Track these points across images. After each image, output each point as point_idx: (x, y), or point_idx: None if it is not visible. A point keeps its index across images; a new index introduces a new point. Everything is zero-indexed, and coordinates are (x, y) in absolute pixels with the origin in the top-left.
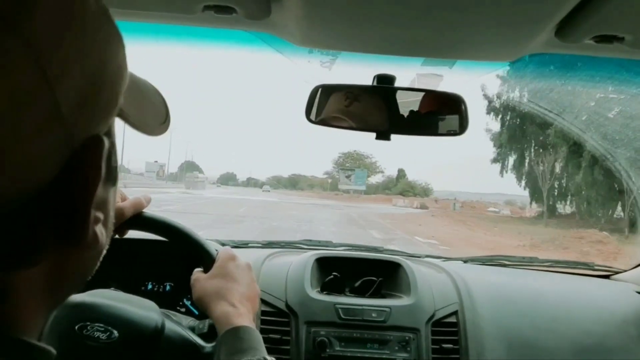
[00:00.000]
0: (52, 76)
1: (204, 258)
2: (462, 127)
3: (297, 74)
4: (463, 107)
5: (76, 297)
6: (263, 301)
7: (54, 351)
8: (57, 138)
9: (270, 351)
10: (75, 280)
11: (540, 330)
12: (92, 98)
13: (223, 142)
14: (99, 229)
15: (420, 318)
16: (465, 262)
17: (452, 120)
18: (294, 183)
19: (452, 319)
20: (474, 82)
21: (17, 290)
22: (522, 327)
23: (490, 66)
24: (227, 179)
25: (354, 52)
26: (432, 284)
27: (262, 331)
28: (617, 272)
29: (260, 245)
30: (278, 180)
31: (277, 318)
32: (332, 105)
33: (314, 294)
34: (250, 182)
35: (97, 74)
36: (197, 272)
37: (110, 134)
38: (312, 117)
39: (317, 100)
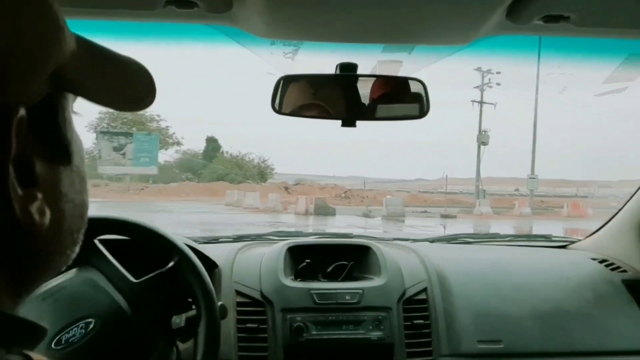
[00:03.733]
0: None
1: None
2: (423, 111)
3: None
4: (424, 91)
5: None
6: (238, 292)
7: (46, 327)
8: None
9: (247, 340)
10: (36, 266)
11: (504, 300)
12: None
13: None
14: (36, 207)
15: (392, 297)
16: (431, 242)
17: (414, 104)
18: None
19: (422, 296)
20: (433, 66)
21: None
22: (487, 298)
23: (447, 50)
24: None
25: (316, 41)
26: (401, 264)
27: (238, 321)
28: (573, 242)
29: (231, 239)
30: None
31: (253, 308)
32: (297, 95)
33: (288, 281)
34: None
35: (8, 41)
36: None
37: (52, 107)
38: (277, 107)
39: (280, 91)
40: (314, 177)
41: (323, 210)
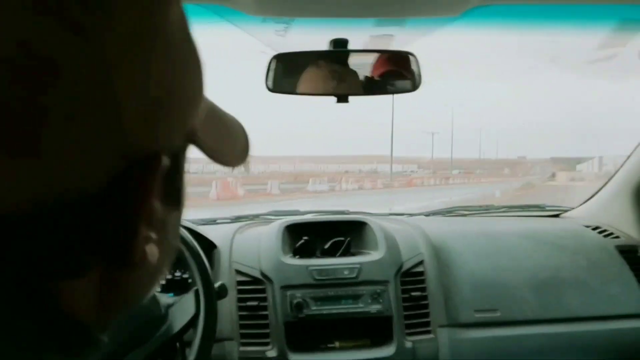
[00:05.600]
0: (119, 88)
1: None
2: (415, 84)
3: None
4: (415, 64)
5: None
6: (238, 271)
7: (105, 339)
8: (113, 148)
9: (249, 318)
10: (128, 299)
11: (500, 269)
12: (156, 116)
13: None
14: (150, 248)
15: (389, 271)
16: (427, 215)
17: (406, 77)
18: None
19: (419, 269)
20: (425, 40)
21: (66, 301)
22: (484, 268)
23: (439, 22)
24: None
25: (307, 17)
26: (398, 238)
27: (239, 300)
28: (566, 211)
29: (228, 220)
30: None
31: (253, 286)
32: (290, 73)
33: (287, 259)
34: None
35: (166, 94)
36: None
37: (178, 157)
38: (271, 86)
39: (274, 69)
40: None
41: None
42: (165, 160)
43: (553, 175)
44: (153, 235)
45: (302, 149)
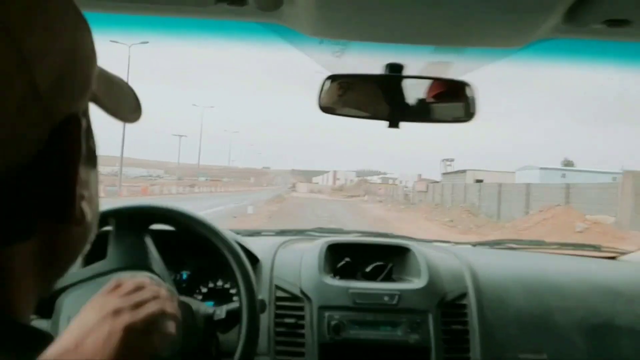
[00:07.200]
0: (27, 56)
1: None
2: (469, 114)
3: (308, 64)
4: (471, 93)
5: None
6: (278, 287)
7: (52, 335)
8: (36, 116)
9: (285, 335)
10: (66, 258)
11: (549, 310)
12: (67, 77)
13: None
14: (85, 205)
15: (431, 301)
16: (473, 246)
17: (461, 106)
18: None
19: (462, 301)
20: (484, 69)
21: (9, 267)
22: (531, 306)
23: (500, 53)
24: None
25: (365, 41)
26: (441, 268)
27: (277, 316)
28: (623, 254)
29: (273, 233)
30: None
31: (292, 303)
32: (343, 95)
33: (328, 279)
34: None
35: (70, 55)
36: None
37: (87, 115)
38: (324, 106)
39: (328, 90)
40: None
41: None
42: (84, 122)
43: (294, 185)
44: (85, 193)
45: None
